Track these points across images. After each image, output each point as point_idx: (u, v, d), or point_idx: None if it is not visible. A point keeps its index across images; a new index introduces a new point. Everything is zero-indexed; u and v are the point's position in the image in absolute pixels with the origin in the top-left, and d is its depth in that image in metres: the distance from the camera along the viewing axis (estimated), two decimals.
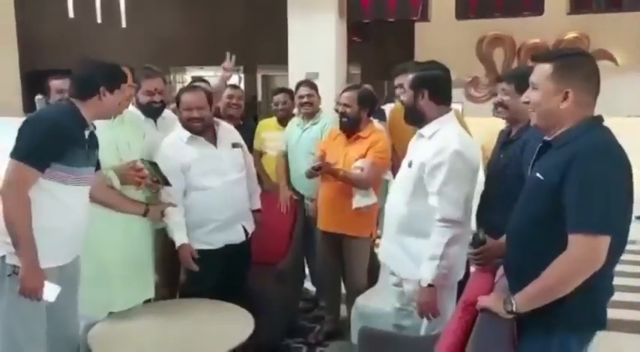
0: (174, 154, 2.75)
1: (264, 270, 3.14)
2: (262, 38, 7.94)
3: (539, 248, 1.61)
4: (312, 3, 6.34)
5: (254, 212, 3.05)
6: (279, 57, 6.84)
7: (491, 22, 7.47)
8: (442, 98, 2.27)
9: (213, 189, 2.77)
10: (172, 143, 2.80)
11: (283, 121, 3.88)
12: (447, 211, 2.18)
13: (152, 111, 2.97)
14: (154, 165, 2.58)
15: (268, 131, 3.88)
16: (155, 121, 3.01)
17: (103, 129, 2.48)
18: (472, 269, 2.17)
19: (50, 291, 2.03)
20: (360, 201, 3.01)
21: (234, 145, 2.95)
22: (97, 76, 2.22)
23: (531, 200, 1.65)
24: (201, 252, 2.77)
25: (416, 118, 2.32)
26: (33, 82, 7.84)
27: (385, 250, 2.50)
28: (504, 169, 2.38)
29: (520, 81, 2.19)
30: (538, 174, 1.61)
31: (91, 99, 2.20)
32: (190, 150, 2.78)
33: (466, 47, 8.88)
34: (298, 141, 3.59)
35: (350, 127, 3.13)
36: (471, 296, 1.83)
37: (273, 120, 3.97)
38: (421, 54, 8.56)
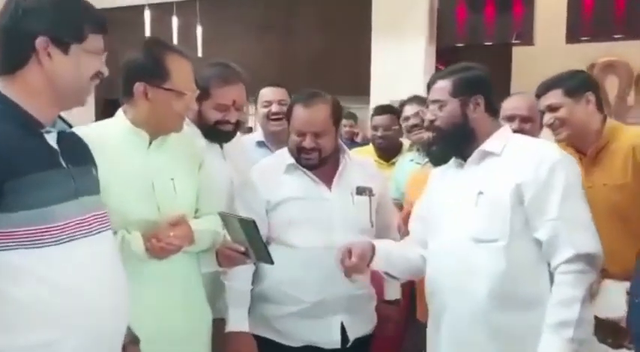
0: (264, 186, 1.92)
1: None
2: (341, 68, 7.49)
3: None
4: (399, 27, 5.78)
5: (386, 302, 2.08)
6: (359, 87, 6.28)
7: (605, 46, 6.51)
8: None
9: (305, 252, 1.84)
10: (267, 170, 1.98)
11: (385, 153, 2.96)
12: (583, 242, 1.49)
13: (220, 135, 2.03)
14: (245, 225, 1.59)
15: None
16: (221, 146, 2.09)
17: (128, 157, 1.59)
18: None
19: None
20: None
21: (360, 191, 1.96)
22: (33, 19, 1.15)
23: None
24: (269, 343, 1.92)
25: None
26: (107, 110, 7.71)
27: None
28: None
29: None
30: None
31: (23, 67, 1.17)
32: (289, 182, 1.91)
33: None
34: None
35: None
36: None
37: (370, 149, 3.04)
38: (519, 82, 7.71)
